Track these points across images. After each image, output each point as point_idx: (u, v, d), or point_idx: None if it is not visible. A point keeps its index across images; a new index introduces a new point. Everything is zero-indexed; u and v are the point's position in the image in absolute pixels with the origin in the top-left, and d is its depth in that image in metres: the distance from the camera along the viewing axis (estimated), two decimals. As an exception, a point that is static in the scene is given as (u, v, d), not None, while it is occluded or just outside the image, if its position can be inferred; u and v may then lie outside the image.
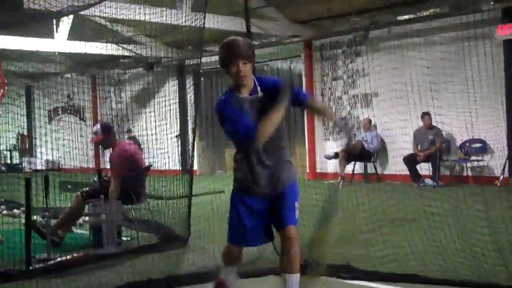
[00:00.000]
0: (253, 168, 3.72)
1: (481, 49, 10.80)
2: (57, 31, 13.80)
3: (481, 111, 11.08)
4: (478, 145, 11.75)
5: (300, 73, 15.22)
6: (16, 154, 20.85)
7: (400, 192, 10.06)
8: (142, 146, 13.70)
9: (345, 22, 13.13)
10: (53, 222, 6.74)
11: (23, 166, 19.78)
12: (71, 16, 12.40)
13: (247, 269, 5.18)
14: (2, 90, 10.28)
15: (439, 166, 11.73)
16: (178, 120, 16.35)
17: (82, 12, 10.30)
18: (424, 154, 11.78)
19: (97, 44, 14.77)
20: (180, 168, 15.94)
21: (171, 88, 16.10)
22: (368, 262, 5.21)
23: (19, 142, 20.35)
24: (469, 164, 11.94)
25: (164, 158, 9.18)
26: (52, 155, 15.25)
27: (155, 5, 10.89)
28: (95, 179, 7.50)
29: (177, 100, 16.37)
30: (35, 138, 20.51)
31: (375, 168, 13.25)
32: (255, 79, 3.71)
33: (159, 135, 9.87)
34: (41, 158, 18.24)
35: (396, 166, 12.37)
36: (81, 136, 10.14)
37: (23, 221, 5.70)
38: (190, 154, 8.45)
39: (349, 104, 14.04)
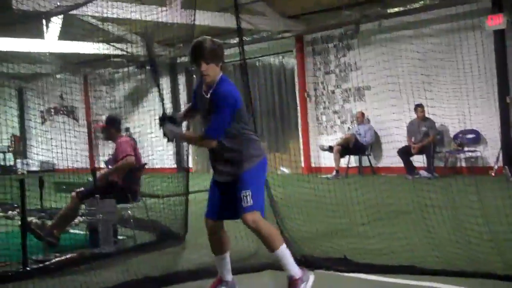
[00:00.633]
0: (210, 154, 4.32)
1: (472, 40, 10.83)
2: (47, 31, 13.75)
3: (473, 102, 11.14)
4: (471, 136, 11.79)
5: (292, 68, 15.23)
6: (9, 155, 20.77)
7: (394, 184, 10.09)
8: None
9: (335, 16, 13.15)
10: (49, 222, 6.74)
11: (17, 167, 19.73)
12: (61, 16, 12.35)
13: (245, 264, 5.21)
14: (-6, 92, 10.25)
15: (433, 157, 11.77)
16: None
17: (72, 12, 10.27)
18: (417, 146, 11.82)
19: (88, 43, 14.73)
20: (176, 166, 15.98)
21: (163, 86, 16.10)
22: (364, 254, 5.23)
23: (13, 143, 20.27)
24: (463, 155, 11.99)
25: (159, 157, 9.20)
26: (47, 156, 15.23)
27: (145, 3, 10.87)
28: (90, 179, 7.50)
29: (170, 98, 16.39)
30: (29, 139, 20.46)
31: (370, 161, 13.29)
32: (219, 81, 4.13)
33: (153, 133, 9.86)
34: (35, 159, 18.21)
35: (390, 159, 12.41)
36: (75, 136, 10.12)
37: (19, 222, 5.68)
38: (186, 152, 8.46)
39: (342, 98, 14.06)
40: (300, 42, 14.72)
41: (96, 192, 6.54)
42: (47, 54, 15.40)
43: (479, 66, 10.98)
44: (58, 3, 9.61)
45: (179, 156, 16.73)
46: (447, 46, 11.53)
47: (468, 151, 11.84)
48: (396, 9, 12.47)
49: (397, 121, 11.27)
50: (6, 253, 5.80)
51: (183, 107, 12.52)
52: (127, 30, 14.33)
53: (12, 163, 20.51)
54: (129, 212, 7.13)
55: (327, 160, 13.65)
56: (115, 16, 10.28)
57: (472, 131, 11.71)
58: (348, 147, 13.18)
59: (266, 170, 4.40)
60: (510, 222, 5.63)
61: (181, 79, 17.40)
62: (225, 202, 4.27)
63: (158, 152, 9.44)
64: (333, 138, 13.82)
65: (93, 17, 12.34)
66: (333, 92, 14.24)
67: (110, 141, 7.32)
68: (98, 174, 6.93)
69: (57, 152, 9.44)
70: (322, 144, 13.79)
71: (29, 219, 6.38)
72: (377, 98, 12.42)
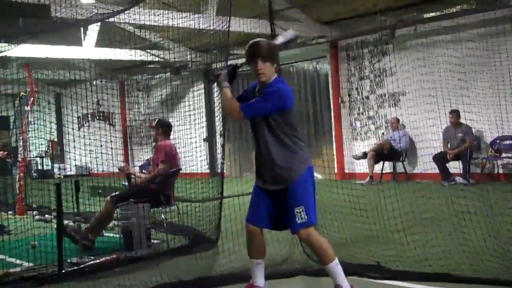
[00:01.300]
0: (257, 159, 4.24)
1: (510, 44, 10.64)
2: (84, 38, 14.00)
3: (511, 108, 10.92)
4: (509, 142, 11.57)
5: (326, 74, 15.18)
6: (47, 160, 21.16)
7: (430, 190, 9.94)
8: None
9: (370, 22, 13.07)
10: (84, 226, 6.85)
11: (54, 172, 20.09)
12: (98, 24, 12.56)
13: (277, 269, 5.20)
14: (32, 98, 10.47)
15: (470, 164, 11.59)
16: (205, 123, 16.41)
17: (108, 19, 10.44)
18: (454, 152, 11.65)
19: (124, 50, 14.94)
20: (209, 171, 16.05)
21: (198, 92, 16.20)
22: (398, 261, 5.16)
23: (50, 148, 20.65)
24: (500, 162, 11.77)
25: (193, 162, 9.26)
26: (83, 161, 15.47)
27: (180, 10, 10.98)
28: (125, 183, 7.60)
29: (204, 104, 16.48)
30: (66, 144, 20.81)
31: (404, 167, 13.14)
32: (275, 80, 4.12)
33: (188, 138, 9.94)
34: (72, 164, 18.51)
35: (425, 165, 12.23)
36: (111, 141, 10.26)
37: (55, 226, 5.78)
38: (220, 157, 8.49)
39: (377, 103, 13.96)
40: (334, 48, 14.67)
41: (130, 196, 6.62)
42: (85, 60, 15.68)
43: (517, 71, 10.78)
44: (96, 11, 9.77)
45: (213, 160, 16.82)
46: (484, 51, 11.32)
47: (506, 157, 11.61)
48: (432, 14, 12.34)
49: (433, 126, 11.13)
50: (42, 256, 5.92)
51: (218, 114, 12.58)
52: (163, 36, 14.49)
53: (49, 167, 20.90)
54: (163, 216, 7.19)
55: (361, 166, 13.54)
56: (151, 23, 10.41)
57: (509, 137, 11.50)
58: (383, 153, 13.06)
59: (314, 176, 4.29)
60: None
61: (216, 86, 17.48)
62: (273, 212, 4.21)
63: (192, 156, 9.50)
64: (367, 144, 13.72)
65: (130, 24, 12.50)
66: (367, 97, 14.14)
67: (145, 146, 7.48)
68: (133, 180, 7.05)
69: (92, 157, 9.59)
70: (355, 153, 13.68)
71: (65, 222, 6.50)
72: (412, 104, 12.28)
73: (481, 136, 11.96)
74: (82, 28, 13.47)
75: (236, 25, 11.43)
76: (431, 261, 5.06)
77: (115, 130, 18.28)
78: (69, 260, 5.85)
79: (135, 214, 6.41)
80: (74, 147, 8.97)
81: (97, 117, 20.17)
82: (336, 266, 4.07)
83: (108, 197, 6.87)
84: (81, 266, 5.76)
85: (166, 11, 10.59)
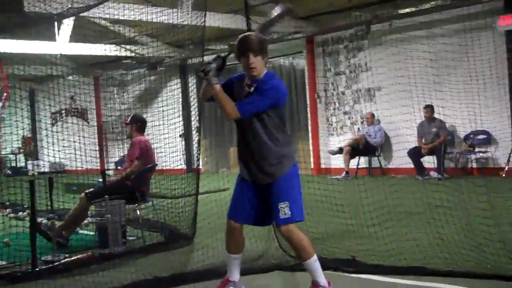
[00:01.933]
0: (243, 152, 4.18)
1: (484, 40, 10.79)
2: (58, 33, 13.82)
3: (485, 102, 11.08)
4: (482, 136, 11.72)
5: (302, 69, 15.21)
6: (21, 157, 20.91)
7: (404, 185, 10.04)
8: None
9: (346, 17, 13.11)
10: (58, 223, 6.78)
11: (28, 169, 19.85)
12: (72, 18, 12.41)
13: (253, 265, 5.20)
14: (5, 93, 10.32)
15: (444, 158, 11.71)
16: (182, 119, 16.35)
17: (83, 14, 10.32)
18: (428, 147, 11.76)
19: (99, 45, 14.79)
20: (185, 167, 16.00)
21: (174, 87, 16.13)
22: (373, 255, 5.21)
23: (24, 145, 20.40)
24: (474, 156, 11.92)
25: (168, 158, 9.21)
26: (57, 157, 15.30)
27: (156, 5, 10.90)
28: (99, 180, 7.53)
29: (180, 99, 16.41)
30: (40, 140, 20.58)
31: (380, 162, 13.24)
32: (266, 75, 4.08)
33: (163, 134, 9.88)
34: (46, 161, 18.31)
35: (400, 160, 12.35)
36: (85, 137, 10.16)
37: (28, 223, 5.71)
38: (196, 153, 8.46)
39: (352, 99, 14.03)
40: (310, 43, 14.70)
41: (105, 193, 6.57)
42: (58, 56, 15.50)
43: (491, 66, 10.92)
44: (70, 5, 9.65)
45: (189, 156, 16.77)
46: (458, 46, 11.47)
47: (479, 151, 11.76)
48: (407, 10, 12.42)
49: (407, 121, 11.22)
50: (16, 253, 5.85)
51: (194, 110, 12.52)
52: (138, 31, 14.38)
53: (23, 164, 20.66)
54: (138, 212, 7.15)
55: (337, 161, 13.61)
56: (125, 18, 10.32)
57: (483, 132, 11.64)
58: (358, 148, 13.14)
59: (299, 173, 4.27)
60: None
61: (192, 81, 17.43)
62: (255, 208, 4.19)
63: (167, 152, 9.45)
64: (343, 139, 13.79)
65: (105, 19, 12.38)
66: (343, 93, 14.21)
67: (120, 142, 7.44)
68: (107, 177, 7.00)
69: (67, 153, 9.49)
70: (331, 149, 13.74)
71: (39, 220, 6.43)
72: (387, 99, 12.38)
73: (454, 131, 12.10)
74: (56, 23, 13.30)
75: (212, 20, 11.38)
76: (405, 255, 5.11)
77: (90, 126, 18.14)
78: (43, 258, 5.78)
79: (109, 211, 6.35)
80: (48, 143, 8.86)
81: (72, 113, 19.98)
82: (314, 263, 4.06)
83: (82, 194, 6.81)
84: (55, 264, 5.68)
85: (142, 6, 10.53)
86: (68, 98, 17.85)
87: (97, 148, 16.90)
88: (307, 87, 14.98)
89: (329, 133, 14.56)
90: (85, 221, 7.46)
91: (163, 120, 10.24)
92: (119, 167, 8.67)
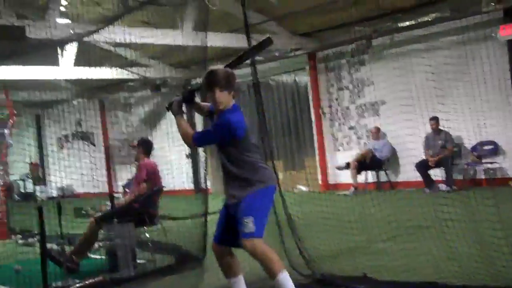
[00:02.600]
0: (223, 176, 4.38)
1: (485, 51, 10.76)
2: (62, 58, 13.90)
3: (489, 113, 11.03)
4: (489, 147, 11.67)
5: (305, 85, 15.25)
6: (29, 183, 20.94)
7: (413, 199, 10.01)
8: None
9: (347, 32, 13.15)
10: (69, 249, 6.79)
11: (36, 194, 19.88)
12: (75, 43, 12.50)
13: (264, 284, 5.17)
14: (11, 120, 10.39)
15: (452, 170, 11.67)
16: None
17: (85, 39, 10.40)
18: (435, 159, 11.72)
19: (103, 69, 14.87)
20: (193, 188, 15.99)
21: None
22: (385, 272, 5.19)
23: (31, 170, 20.45)
24: (481, 167, 11.85)
25: (176, 178, 9.24)
26: (65, 182, 15.32)
27: (158, 28, 10.98)
28: (108, 203, 7.55)
29: (186, 120, 16.42)
30: (47, 166, 20.61)
31: (387, 176, 13.20)
32: (229, 109, 4.25)
33: (170, 155, 9.92)
34: (53, 186, 18.34)
35: (408, 173, 12.30)
36: (91, 162, 10.21)
37: (39, 249, 5.71)
38: (204, 174, 8.47)
39: (357, 113, 14.03)
40: (312, 59, 14.74)
41: (114, 217, 6.58)
42: (63, 81, 15.59)
43: (493, 77, 10.91)
44: (71, 32, 9.74)
45: (197, 176, 16.76)
46: (459, 58, 11.45)
47: (487, 162, 11.72)
48: (407, 23, 12.44)
49: (412, 135, 11.20)
50: (27, 280, 5.84)
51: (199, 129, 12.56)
52: (140, 54, 14.47)
53: (31, 190, 20.68)
54: (147, 235, 7.16)
55: (345, 177, 13.58)
56: (129, 41, 10.39)
57: (490, 143, 11.60)
58: (365, 162, 13.12)
59: (273, 198, 4.46)
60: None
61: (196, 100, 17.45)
62: (228, 228, 4.34)
63: (175, 173, 9.49)
64: (350, 154, 13.75)
65: (107, 43, 12.46)
66: (347, 108, 14.21)
67: (129, 165, 7.49)
68: (116, 200, 7.02)
69: (73, 178, 9.53)
70: (338, 165, 13.73)
71: (49, 246, 6.43)
72: (392, 113, 12.37)
73: (461, 143, 12.06)
74: (59, 48, 13.39)
75: (213, 40, 11.43)
76: (417, 270, 5.09)
77: (95, 151, 18.16)
78: (54, 284, 5.78)
79: (119, 234, 6.36)
80: (57, 168, 8.89)
81: (78, 137, 20.04)
82: (286, 277, 4.10)
83: (92, 218, 6.83)
84: (67, 289, 5.69)
85: (143, 29, 10.60)
86: (74, 122, 17.92)
87: (106, 171, 16.93)
88: (311, 103, 14.99)
89: (336, 149, 14.54)
90: (95, 246, 7.47)
91: (168, 141, 10.29)
92: (127, 190, 8.67)
